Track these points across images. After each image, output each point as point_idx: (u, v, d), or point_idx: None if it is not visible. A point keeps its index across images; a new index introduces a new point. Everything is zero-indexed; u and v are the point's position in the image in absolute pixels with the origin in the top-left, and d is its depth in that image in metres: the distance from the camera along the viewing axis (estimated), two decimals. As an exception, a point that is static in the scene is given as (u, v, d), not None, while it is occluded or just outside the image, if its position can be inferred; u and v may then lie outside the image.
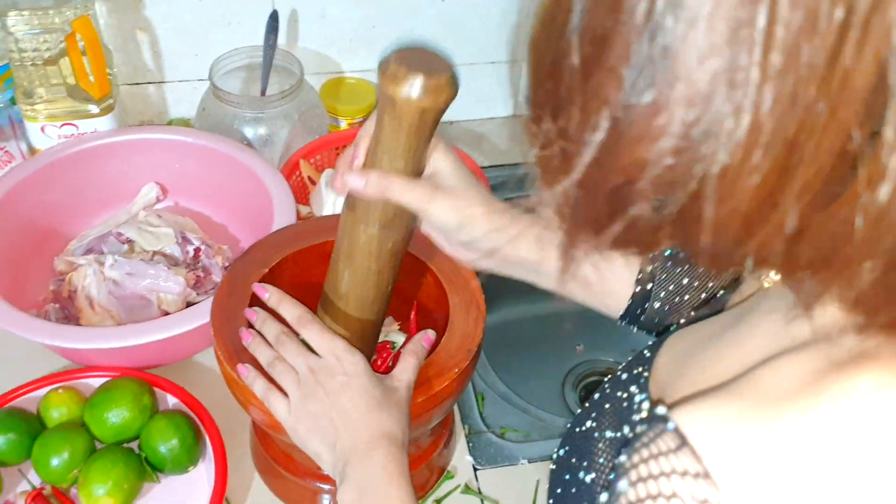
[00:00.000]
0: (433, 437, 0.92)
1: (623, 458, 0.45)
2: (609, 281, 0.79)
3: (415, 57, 0.64)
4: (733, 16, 0.30)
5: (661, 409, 0.45)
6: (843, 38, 0.30)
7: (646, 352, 0.63)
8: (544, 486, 0.94)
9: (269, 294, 0.80)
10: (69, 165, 1.12)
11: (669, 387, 0.54)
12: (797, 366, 0.43)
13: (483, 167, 1.27)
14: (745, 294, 0.63)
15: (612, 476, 0.54)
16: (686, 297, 0.77)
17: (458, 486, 0.94)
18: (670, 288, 0.77)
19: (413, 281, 0.91)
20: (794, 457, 0.40)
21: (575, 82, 0.35)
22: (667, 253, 0.78)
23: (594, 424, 0.62)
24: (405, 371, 0.76)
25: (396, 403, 0.73)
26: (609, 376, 0.65)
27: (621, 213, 0.37)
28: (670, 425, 0.43)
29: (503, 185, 1.34)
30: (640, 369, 0.61)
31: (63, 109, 1.12)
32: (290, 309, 0.78)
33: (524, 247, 0.77)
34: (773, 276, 0.53)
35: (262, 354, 0.76)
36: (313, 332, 0.76)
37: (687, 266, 0.77)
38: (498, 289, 0.86)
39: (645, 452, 0.43)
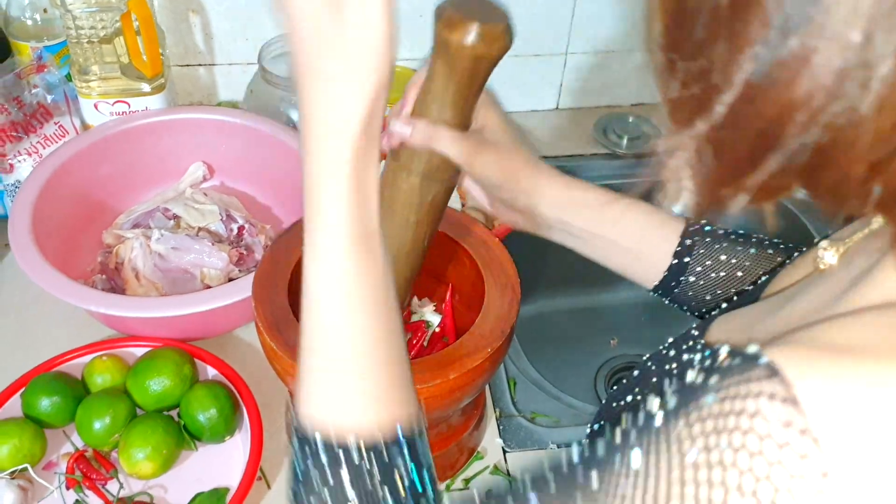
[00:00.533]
0: (464, 418, 0.94)
1: (712, 379, 0.43)
2: (647, 250, 0.79)
3: (471, 5, 0.64)
4: None
5: (752, 348, 0.43)
6: None
7: (693, 331, 0.63)
8: (573, 471, 0.95)
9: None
10: (120, 142, 1.15)
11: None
12: (884, 321, 0.42)
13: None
14: (786, 282, 0.63)
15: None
16: (722, 273, 0.77)
17: (487, 466, 0.95)
18: (707, 263, 0.77)
19: (449, 262, 0.92)
20: (887, 403, 0.39)
21: (721, 21, 0.35)
22: (706, 228, 0.78)
23: (638, 396, 0.62)
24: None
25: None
26: (646, 357, 0.66)
27: (764, 156, 0.37)
28: (762, 359, 0.41)
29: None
30: (692, 343, 0.61)
31: (116, 87, 1.15)
32: None
33: (565, 209, 0.76)
34: (831, 260, 0.54)
35: None
36: None
37: (725, 243, 0.77)
38: (536, 280, 0.87)
39: (735, 376, 0.42)
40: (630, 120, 1.43)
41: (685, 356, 0.60)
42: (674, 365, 0.60)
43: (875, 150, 0.35)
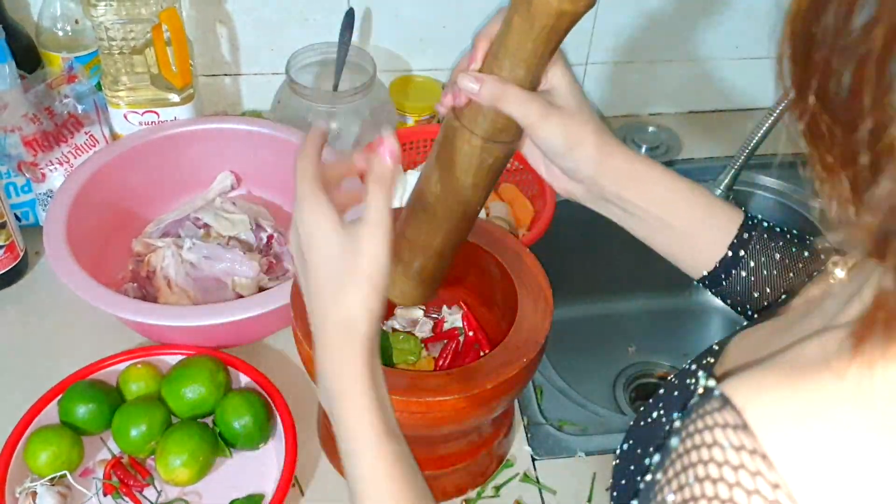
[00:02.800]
0: (494, 427, 0.95)
1: (677, 423, 0.48)
2: (702, 238, 0.76)
3: None
4: None
5: (710, 383, 0.49)
6: None
7: (715, 346, 0.64)
8: (601, 479, 0.97)
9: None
10: (149, 151, 1.17)
11: (732, 374, 0.55)
12: (840, 336, 0.43)
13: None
14: (809, 295, 0.63)
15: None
16: (774, 272, 0.75)
17: (517, 474, 0.97)
18: (762, 259, 0.75)
19: (481, 273, 0.94)
20: (829, 413, 0.42)
21: (848, 59, 0.33)
22: (765, 224, 0.76)
23: (662, 412, 0.62)
24: (376, 210, 0.61)
25: (364, 272, 0.60)
26: (674, 374, 0.67)
27: None
28: (716, 392, 0.46)
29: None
30: (710, 359, 0.62)
31: (145, 97, 1.17)
32: (384, 181, 0.62)
33: (625, 184, 0.73)
34: (840, 274, 0.54)
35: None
36: (375, 194, 0.62)
37: (782, 242, 0.75)
38: (554, 287, 0.88)
39: (693, 415, 0.46)
40: (650, 129, 1.45)
41: (699, 374, 0.61)
42: (691, 381, 0.61)
43: None
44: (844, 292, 0.51)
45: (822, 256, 0.75)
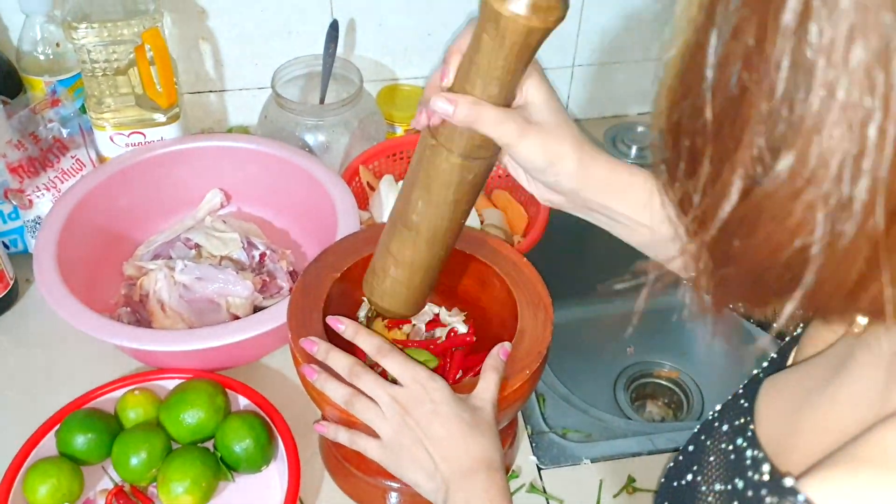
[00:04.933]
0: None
1: None
2: None
3: None
4: (861, 85, 0.30)
5: (788, 482, 0.46)
6: None
7: (742, 401, 0.61)
8: (608, 486, 0.96)
9: (346, 326, 0.80)
10: (137, 173, 1.15)
11: (781, 444, 0.54)
12: None
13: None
14: (820, 338, 0.61)
15: None
16: None
17: (523, 485, 0.96)
18: None
19: (479, 285, 0.93)
20: None
21: (707, 141, 0.35)
22: None
23: (699, 478, 0.60)
24: (488, 389, 0.76)
25: (487, 424, 0.73)
26: (698, 427, 0.64)
27: (760, 273, 0.37)
28: (800, 498, 0.44)
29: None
30: (743, 420, 0.59)
31: (131, 118, 1.16)
32: (368, 339, 0.78)
33: (608, 194, 0.72)
34: (862, 321, 0.51)
35: (336, 392, 0.76)
36: (396, 362, 0.76)
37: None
38: (551, 291, 0.87)
39: None
40: (639, 129, 1.44)
41: (739, 440, 0.58)
42: (730, 447, 0.58)
43: (862, 271, 0.34)
44: (881, 348, 0.50)
45: None
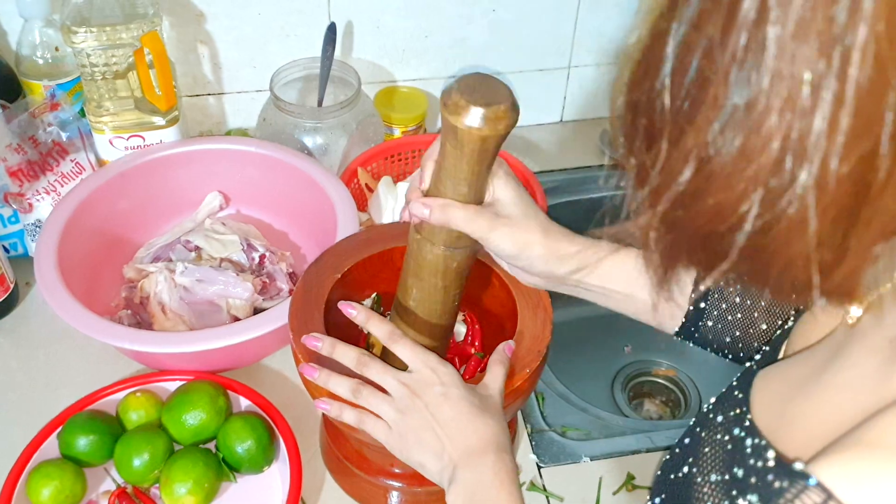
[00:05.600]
0: (499, 437, 0.94)
1: None
2: (664, 301, 0.80)
3: (475, 85, 0.66)
4: (811, 68, 0.33)
5: (798, 465, 0.46)
6: None
7: (737, 392, 0.62)
8: (607, 484, 0.97)
9: (357, 312, 0.81)
10: (137, 176, 1.16)
11: (778, 432, 0.54)
12: None
13: (534, 173, 1.29)
14: (813, 331, 0.62)
15: None
16: (739, 315, 0.79)
17: (524, 483, 0.96)
18: (723, 306, 0.79)
19: (478, 284, 0.93)
20: None
21: (665, 122, 0.38)
22: None
23: (694, 470, 0.61)
24: (495, 380, 0.78)
25: (495, 409, 0.75)
26: (693, 420, 0.65)
27: (710, 244, 0.40)
28: (811, 481, 0.44)
29: (553, 190, 1.36)
30: (739, 411, 0.60)
31: (130, 121, 1.16)
32: (380, 325, 0.79)
33: (578, 270, 0.80)
34: (856, 312, 0.53)
35: (341, 385, 0.77)
36: (406, 347, 0.77)
37: (738, 285, 0.77)
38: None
39: None
40: (635, 129, 1.45)
41: (735, 430, 0.59)
42: (726, 438, 0.59)
43: (816, 250, 0.37)
44: (877, 338, 0.51)
45: None
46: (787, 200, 0.35)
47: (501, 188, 0.76)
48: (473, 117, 0.64)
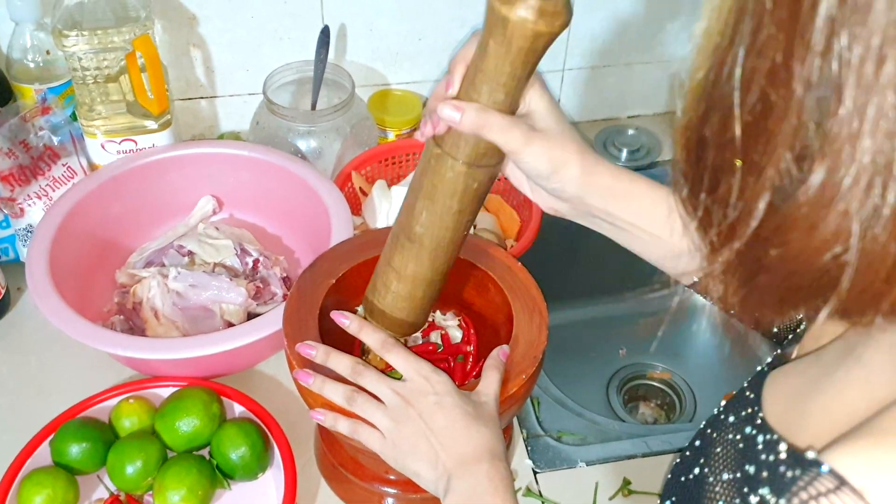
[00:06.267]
0: (494, 442, 0.94)
1: (775, 500, 0.47)
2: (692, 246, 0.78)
3: None
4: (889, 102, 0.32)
5: (810, 454, 0.46)
6: None
7: (748, 393, 0.62)
8: (603, 489, 0.96)
9: (350, 321, 0.80)
10: (129, 180, 1.15)
11: (792, 427, 0.54)
12: None
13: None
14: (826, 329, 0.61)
15: None
16: None
17: (520, 488, 0.96)
18: None
19: (473, 288, 0.93)
20: None
21: (736, 154, 0.36)
22: None
23: (706, 470, 0.60)
24: (490, 385, 0.77)
25: (489, 415, 0.74)
26: (704, 422, 0.65)
27: (793, 287, 0.38)
28: (824, 468, 0.44)
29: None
30: (750, 410, 0.59)
31: (122, 125, 1.15)
32: (373, 334, 0.79)
33: (611, 200, 0.74)
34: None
35: (336, 392, 0.76)
36: (399, 356, 0.76)
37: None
38: (543, 294, 0.88)
39: (804, 495, 0.44)
40: (630, 132, 1.45)
41: (747, 429, 0.58)
42: (738, 437, 0.59)
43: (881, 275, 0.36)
44: (887, 337, 0.50)
45: None
46: (880, 226, 0.34)
47: (537, 99, 0.70)
48: (529, 8, 0.58)
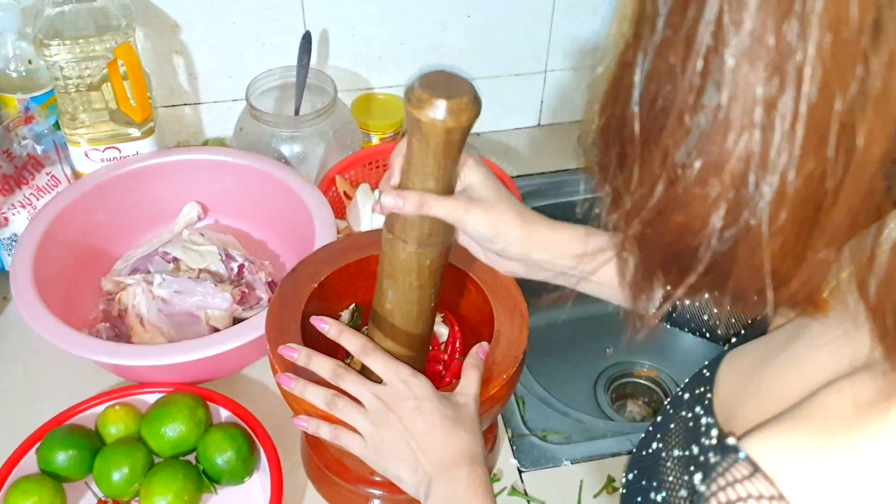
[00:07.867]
0: (479, 442, 0.95)
1: (702, 487, 0.48)
2: None
3: (438, 81, 0.67)
4: (764, 93, 0.34)
5: (731, 440, 0.48)
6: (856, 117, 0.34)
7: (705, 371, 0.64)
8: (588, 487, 0.97)
9: (329, 326, 0.81)
10: (113, 188, 1.15)
11: (733, 410, 0.56)
12: (861, 388, 0.44)
13: (512, 177, 1.30)
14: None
15: (682, 493, 0.57)
16: None
17: (505, 488, 0.97)
18: None
19: (455, 290, 0.93)
20: (866, 480, 0.42)
21: (636, 147, 0.39)
22: None
23: (661, 445, 0.63)
24: (470, 385, 0.78)
25: (469, 419, 0.75)
26: (669, 399, 0.67)
27: (678, 263, 0.41)
28: (741, 455, 0.46)
29: (531, 194, 1.37)
30: (703, 389, 0.62)
31: (105, 133, 1.16)
32: (352, 339, 0.80)
33: (556, 253, 0.79)
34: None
35: (317, 396, 0.77)
36: (379, 360, 0.77)
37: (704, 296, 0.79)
38: (526, 293, 0.88)
39: (721, 481, 0.46)
40: (612, 132, 1.45)
41: (697, 408, 0.60)
42: (689, 415, 0.61)
43: (774, 263, 0.38)
44: (833, 322, 0.51)
45: None
46: (750, 215, 0.36)
47: (471, 174, 0.76)
48: (437, 110, 0.65)
